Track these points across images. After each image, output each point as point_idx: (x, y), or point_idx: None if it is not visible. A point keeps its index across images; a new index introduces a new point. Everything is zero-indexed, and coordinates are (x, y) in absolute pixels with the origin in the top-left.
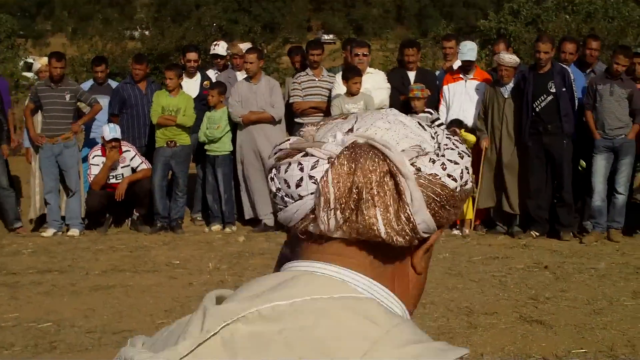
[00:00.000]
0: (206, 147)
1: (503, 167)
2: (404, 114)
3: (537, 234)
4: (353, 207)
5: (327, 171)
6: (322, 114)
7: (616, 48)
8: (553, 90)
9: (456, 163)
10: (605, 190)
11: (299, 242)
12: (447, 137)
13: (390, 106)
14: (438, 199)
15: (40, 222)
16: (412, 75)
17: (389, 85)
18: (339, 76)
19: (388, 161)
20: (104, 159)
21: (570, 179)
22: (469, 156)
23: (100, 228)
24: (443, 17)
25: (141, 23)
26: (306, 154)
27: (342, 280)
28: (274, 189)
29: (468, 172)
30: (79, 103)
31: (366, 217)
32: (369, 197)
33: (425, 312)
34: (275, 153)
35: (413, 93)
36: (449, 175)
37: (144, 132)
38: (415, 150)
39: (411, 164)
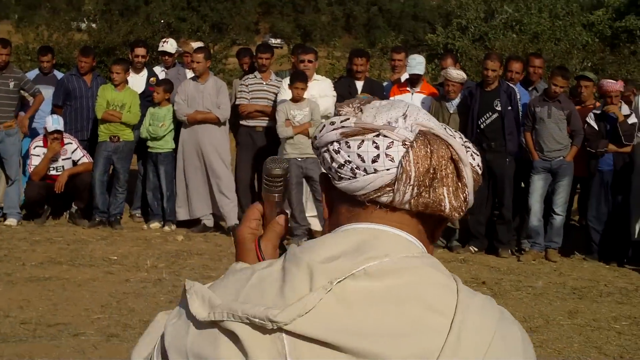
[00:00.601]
0: (148, 143)
1: None
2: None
3: (476, 249)
4: (427, 184)
5: (407, 152)
6: (267, 118)
7: (554, 69)
8: (499, 108)
9: (478, 155)
10: (541, 210)
11: (357, 208)
12: (459, 135)
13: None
14: (474, 185)
15: None
16: (359, 84)
17: (334, 93)
18: (285, 81)
19: (451, 149)
20: (45, 149)
21: (510, 197)
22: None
23: (38, 219)
24: (391, 28)
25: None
26: (378, 135)
27: (410, 242)
28: (341, 160)
29: (480, 167)
30: (21, 92)
31: (437, 194)
32: (441, 177)
33: None
34: (336, 128)
35: None
36: (478, 166)
37: (87, 125)
38: (459, 137)
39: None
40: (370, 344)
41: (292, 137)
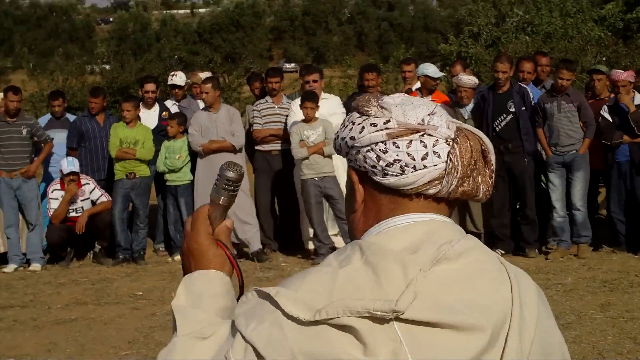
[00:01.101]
0: (166, 177)
1: None
2: None
3: (503, 252)
4: (469, 174)
5: (453, 148)
6: (280, 142)
7: (558, 63)
8: (512, 109)
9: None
10: (564, 206)
11: (401, 199)
12: None
13: None
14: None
15: (4, 258)
16: None
17: (344, 109)
18: (293, 103)
19: (482, 142)
20: (63, 192)
21: (533, 196)
22: None
23: (62, 262)
24: (404, 42)
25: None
26: (423, 134)
27: (455, 225)
28: (390, 159)
29: None
30: (35, 137)
31: (476, 182)
32: (479, 167)
33: None
34: (380, 130)
35: None
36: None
37: (102, 165)
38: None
39: None
40: (467, 317)
41: (307, 158)
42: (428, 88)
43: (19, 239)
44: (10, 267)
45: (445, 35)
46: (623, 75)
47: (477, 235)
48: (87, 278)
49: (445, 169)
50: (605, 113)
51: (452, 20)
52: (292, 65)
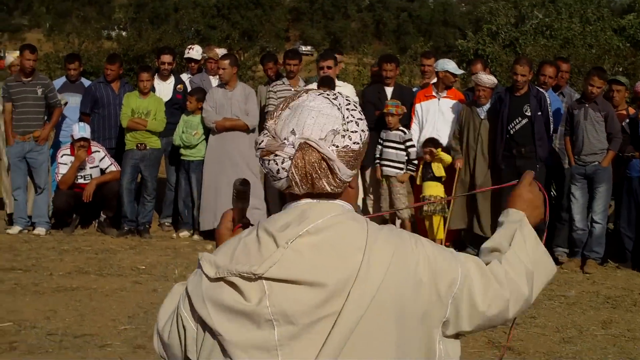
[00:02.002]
0: (181, 151)
1: (476, 189)
2: (324, 96)
3: None
4: (310, 181)
5: (290, 165)
6: None
7: (590, 70)
8: (528, 113)
9: (355, 131)
10: (584, 219)
11: (292, 194)
12: (346, 109)
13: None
14: (352, 159)
15: (10, 219)
16: (389, 90)
17: (357, 99)
18: (306, 87)
19: (320, 152)
20: (72, 158)
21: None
22: (364, 118)
23: (67, 228)
24: (421, 34)
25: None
26: (276, 155)
27: (339, 204)
28: (265, 171)
29: (364, 131)
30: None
31: (319, 185)
32: (317, 175)
33: None
34: (257, 151)
35: (388, 109)
36: (354, 143)
37: (114, 133)
38: (332, 133)
39: (332, 144)
40: (315, 275)
41: None
42: (446, 84)
43: (26, 202)
44: (14, 229)
45: (464, 31)
46: None
47: (484, 239)
48: (90, 247)
49: (289, 179)
50: (625, 125)
51: (471, 17)
52: (309, 48)
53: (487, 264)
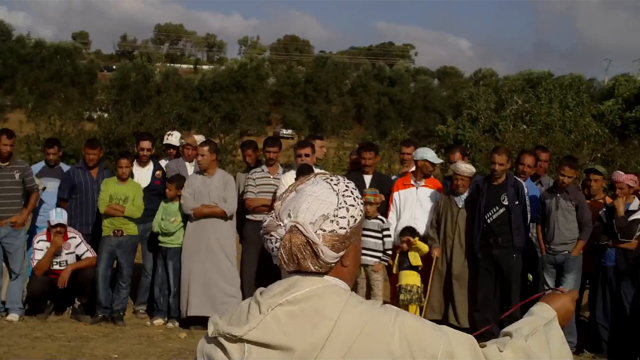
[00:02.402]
0: (159, 238)
1: (453, 278)
2: (327, 181)
3: (484, 346)
4: (296, 262)
5: (279, 247)
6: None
7: (562, 159)
8: (506, 202)
9: (344, 217)
10: None
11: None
12: (342, 195)
13: None
14: (337, 243)
15: None
16: (368, 178)
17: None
18: (284, 176)
19: (306, 236)
20: (48, 244)
21: (518, 292)
22: (358, 204)
23: (41, 315)
24: (402, 119)
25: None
26: (272, 235)
27: (321, 277)
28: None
29: (354, 217)
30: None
31: (304, 265)
32: (302, 256)
33: None
34: (262, 229)
35: (366, 198)
36: (341, 228)
37: (91, 219)
38: (322, 218)
39: (320, 228)
40: (286, 341)
41: None
42: (425, 173)
43: (0, 287)
44: None
45: (444, 116)
46: (622, 177)
47: (460, 329)
48: (63, 334)
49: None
50: (602, 214)
51: (451, 102)
52: (290, 131)
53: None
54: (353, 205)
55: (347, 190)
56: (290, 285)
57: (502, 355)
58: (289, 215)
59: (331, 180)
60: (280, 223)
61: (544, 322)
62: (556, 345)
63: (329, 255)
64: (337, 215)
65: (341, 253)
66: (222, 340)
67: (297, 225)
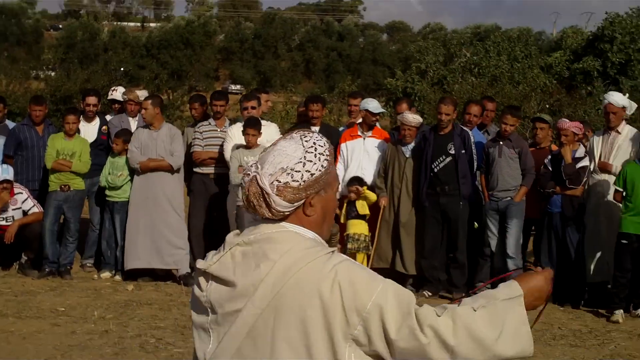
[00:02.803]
0: (107, 192)
1: (400, 227)
2: (300, 137)
3: (430, 294)
4: (253, 208)
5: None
6: (220, 165)
7: (504, 108)
8: (452, 152)
9: (298, 171)
10: (503, 253)
11: None
12: (307, 151)
13: None
14: (289, 194)
15: None
16: (316, 130)
17: (325, 143)
18: (231, 128)
19: (260, 186)
20: None
21: (465, 240)
22: (319, 160)
23: None
24: (351, 73)
25: (48, 63)
26: (242, 182)
27: (277, 224)
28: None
29: (310, 171)
30: None
31: (260, 211)
32: (257, 203)
33: None
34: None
35: None
36: (294, 181)
37: (38, 175)
38: (281, 171)
39: (276, 179)
40: (233, 276)
41: None
42: (367, 123)
43: None
44: None
45: (393, 70)
46: (567, 124)
47: (406, 276)
48: (10, 289)
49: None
50: (547, 162)
51: (400, 56)
52: (238, 87)
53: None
54: (311, 161)
55: (312, 147)
56: (254, 228)
57: (437, 319)
58: (257, 166)
59: (304, 136)
60: (249, 172)
61: (505, 297)
62: (512, 324)
63: (281, 205)
64: (293, 169)
65: (296, 204)
66: (199, 273)
67: (257, 175)
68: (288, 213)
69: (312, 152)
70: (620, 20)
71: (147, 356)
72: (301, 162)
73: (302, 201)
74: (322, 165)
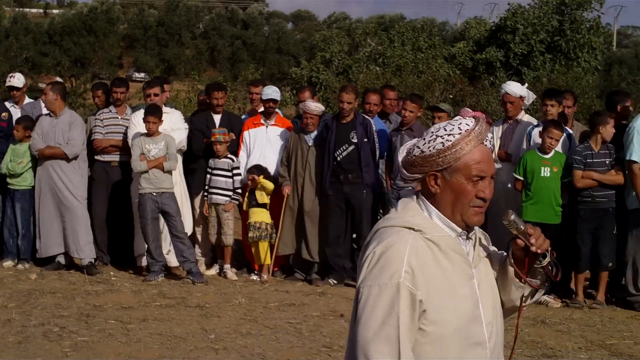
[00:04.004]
0: (7, 180)
1: (304, 215)
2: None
3: (335, 282)
4: None
5: None
6: (122, 153)
7: (405, 97)
8: (355, 140)
9: (418, 148)
10: None
11: None
12: (431, 132)
13: (195, 149)
14: (407, 164)
15: None
16: (217, 118)
17: (186, 125)
18: (134, 115)
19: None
20: None
21: (369, 228)
22: (431, 142)
23: None
24: (256, 62)
25: None
26: None
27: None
28: None
29: (420, 149)
30: None
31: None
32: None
33: (217, 358)
34: None
35: (215, 137)
36: (411, 155)
37: None
38: (408, 149)
39: (407, 151)
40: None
41: (146, 172)
42: (267, 111)
43: None
44: None
45: (298, 59)
46: (470, 114)
47: (312, 264)
48: None
49: None
50: None
51: (305, 45)
52: (142, 75)
53: None
54: (426, 141)
55: (439, 130)
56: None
57: None
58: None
59: (450, 120)
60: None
61: None
62: None
63: (403, 173)
64: (415, 145)
65: (414, 175)
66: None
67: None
68: (410, 181)
69: (432, 134)
70: (522, 12)
71: (51, 345)
72: (421, 140)
73: (421, 175)
74: (433, 147)
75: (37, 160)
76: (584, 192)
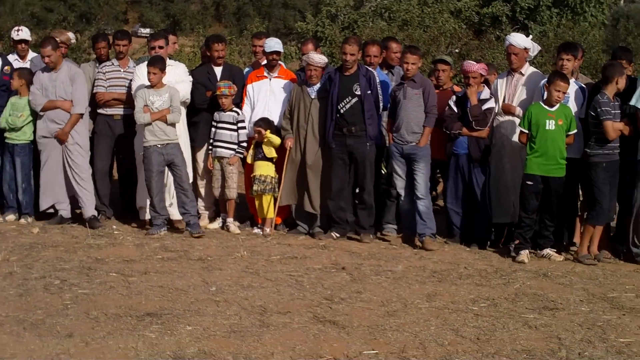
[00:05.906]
0: (6, 134)
1: (307, 168)
2: None
3: (338, 235)
4: None
5: None
6: (126, 106)
7: (404, 49)
8: (358, 92)
9: None
10: (410, 195)
11: None
12: None
13: (197, 102)
14: None
15: None
16: (218, 70)
17: (190, 77)
18: (138, 68)
19: None
20: None
21: (372, 181)
22: None
23: None
24: (262, 17)
25: None
26: None
27: None
28: None
29: None
30: None
31: None
32: None
33: (218, 310)
34: None
35: (220, 90)
36: None
37: None
38: None
39: None
40: None
41: (150, 124)
42: (270, 63)
43: None
44: None
45: (304, 13)
46: (474, 67)
47: (314, 216)
48: None
49: None
50: (452, 103)
51: (311, 0)
52: (148, 30)
53: None
54: None
55: None
56: None
57: None
58: None
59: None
60: None
61: None
62: None
63: None
64: None
65: None
66: None
67: None
68: None
69: None
70: None
71: (52, 297)
72: None
73: None
74: None
75: (37, 114)
76: (609, 144)
